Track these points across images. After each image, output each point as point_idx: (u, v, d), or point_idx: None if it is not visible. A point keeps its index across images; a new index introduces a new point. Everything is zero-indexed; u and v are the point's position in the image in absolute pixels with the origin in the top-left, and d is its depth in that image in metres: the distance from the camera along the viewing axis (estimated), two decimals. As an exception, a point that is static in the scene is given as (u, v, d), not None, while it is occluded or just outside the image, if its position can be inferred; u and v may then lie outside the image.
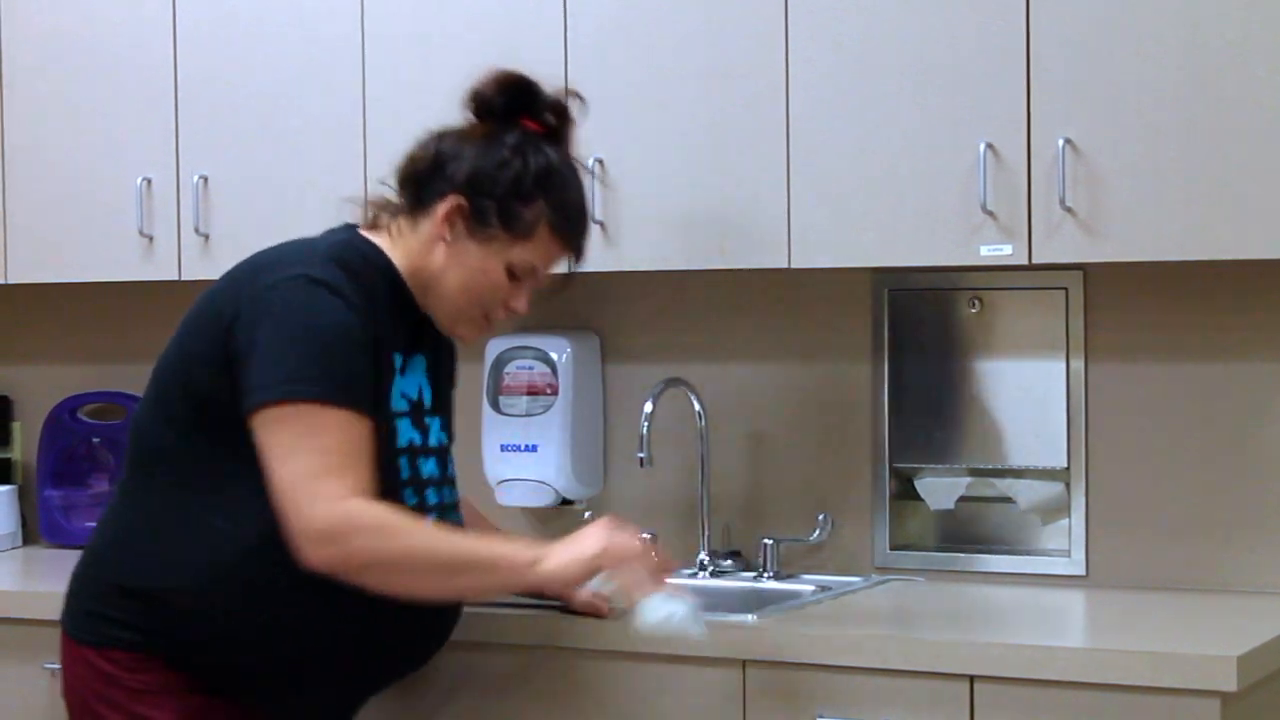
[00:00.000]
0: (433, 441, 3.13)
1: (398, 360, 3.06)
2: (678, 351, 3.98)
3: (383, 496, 2.93)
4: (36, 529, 4.50)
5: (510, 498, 3.99)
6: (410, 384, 3.10)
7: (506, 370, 4.00)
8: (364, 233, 3.10)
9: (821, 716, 3.13)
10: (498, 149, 3.06)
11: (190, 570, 2.95)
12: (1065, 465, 3.65)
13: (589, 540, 2.98)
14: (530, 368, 3.99)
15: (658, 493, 3.94)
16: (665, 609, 2.98)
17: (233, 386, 2.90)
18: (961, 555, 3.74)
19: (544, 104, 3.12)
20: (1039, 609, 3.53)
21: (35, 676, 3.71)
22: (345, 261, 3.00)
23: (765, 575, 3.79)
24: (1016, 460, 3.70)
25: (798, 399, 3.88)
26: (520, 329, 4.03)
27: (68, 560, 4.16)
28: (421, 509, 3.05)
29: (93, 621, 3.04)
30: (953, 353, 3.76)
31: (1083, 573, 3.64)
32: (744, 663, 3.20)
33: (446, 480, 3.15)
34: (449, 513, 3.14)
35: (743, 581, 3.80)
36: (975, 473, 3.74)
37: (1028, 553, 3.69)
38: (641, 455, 3.68)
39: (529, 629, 3.35)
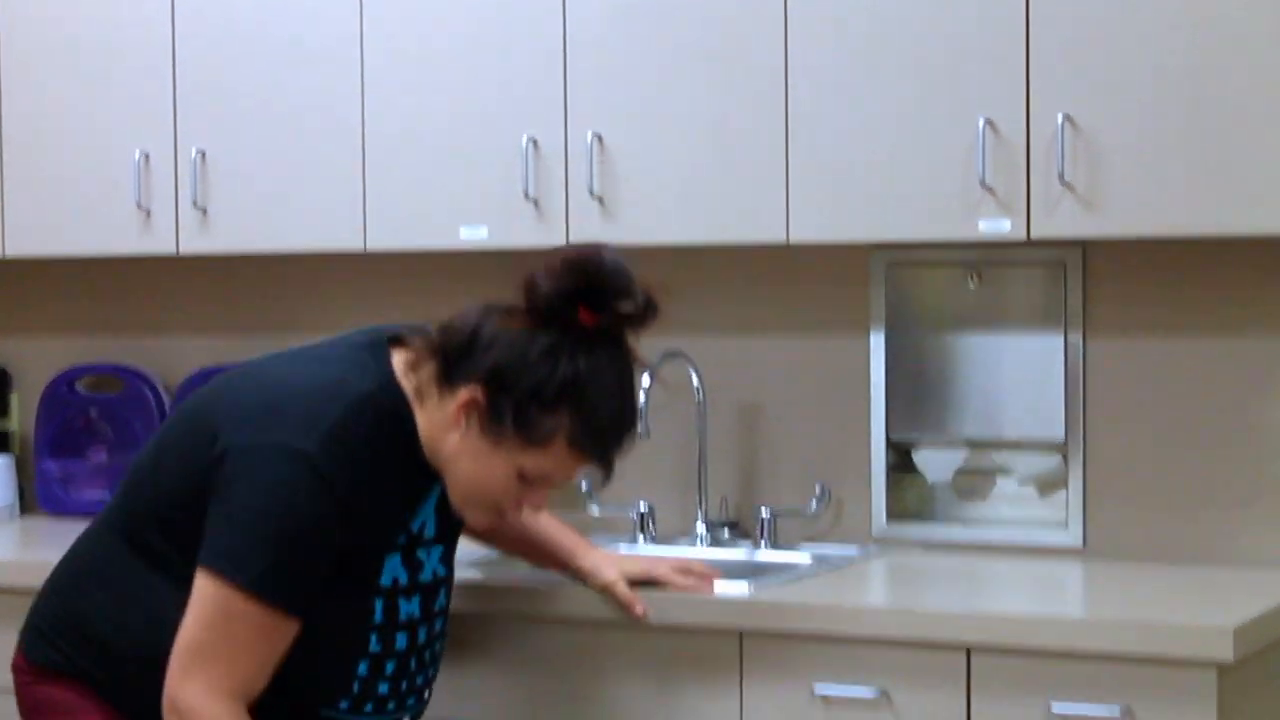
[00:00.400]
0: (425, 576, 3.04)
1: (405, 512, 2.99)
2: (676, 325, 3.84)
3: (351, 637, 2.94)
4: (34, 500, 4.50)
5: None
6: (417, 516, 3.02)
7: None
8: (400, 376, 2.91)
9: (819, 686, 3.14)
10: (529, 347, 2.85)
11: (135, 640, 2.93)
12: (1063, 439, 3.65)
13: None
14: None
15: (656, 465, 3.93)
16: None
17: (202, 513, 2.85)
18: (959, 527, 3.74)
19: (608, 293, 2.86)
20: (1036, 580, 3.53)
21: None
22: (356, 429, 2.85)
23: (762, 546, 3.80)
24: (1014, 433, 3.70)
25: (796, 372, 3.89)
26: (519, 302, 4.03)
27: (66, 530, 4.15)
28: (386, 654, 2.99)
29: (42, 645, 3.01)
30: (951, 327, 3.76)
31: (1080, 545, 3.64)
32: (741, 633, 3.20)
33: (427, 620, 3.05)
34: (416, 660, 3.05)
35: (740, 552, 3.79)
36: (973, 445, 3.74)
37: (1025, 525, 3.70)
38: (640, 428, 3.66)
39: (528, 600, 3.36)
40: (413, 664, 3.04)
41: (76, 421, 4.46)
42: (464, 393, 2.85)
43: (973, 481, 3.77)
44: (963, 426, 3.74)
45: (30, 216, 4.21)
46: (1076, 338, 3.63)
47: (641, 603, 3.22)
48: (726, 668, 3.21)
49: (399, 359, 2.92)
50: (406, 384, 2.90)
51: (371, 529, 2.92)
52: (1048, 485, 3.69)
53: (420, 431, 2.91)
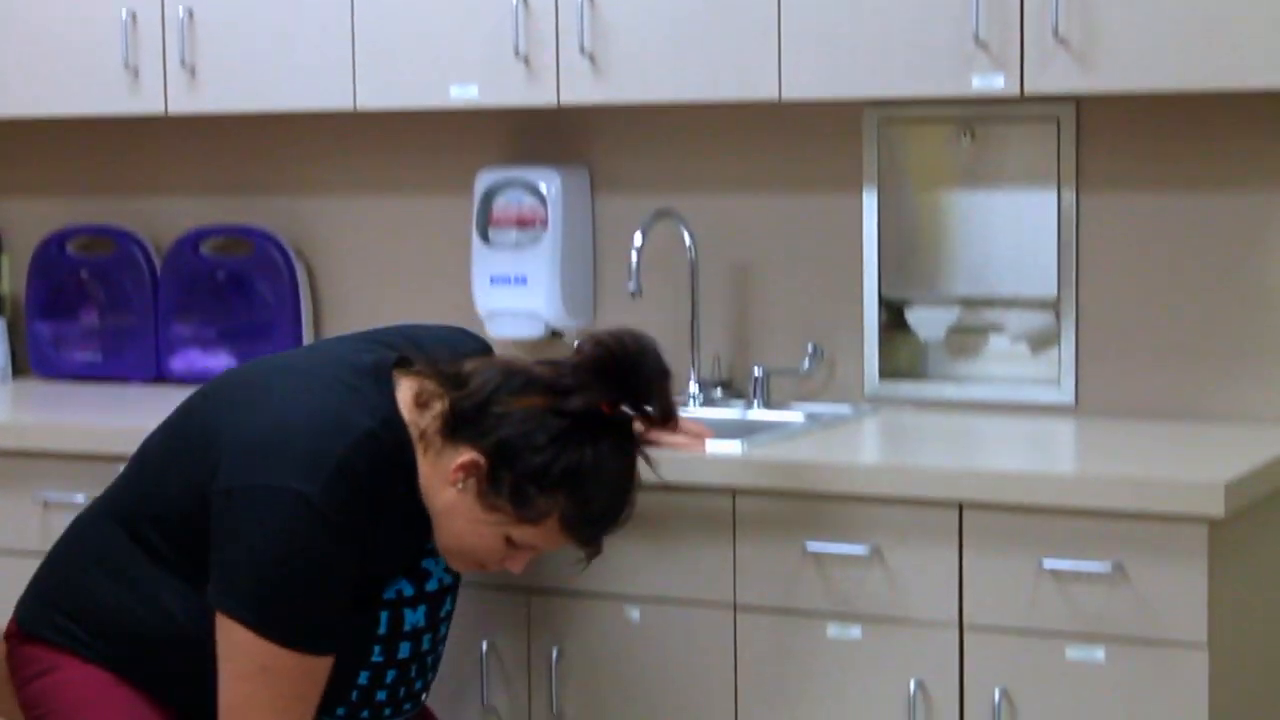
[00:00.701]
0: (431, 585, 3.03)
1: (412, 543, 2.97)
2: (668, 183, 3.95)
3: (353, 650, 2.94)
4: (26, 362, 4.50)
5: (500, 329, 3.97)
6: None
7: (496, 202, 3.97)
8: (405, 411, 2.86)
9: (811, 544, 3.15)
10: (539, 430, 2.82)
11: (136, 621, 2.93)
12: (1055, 296, 3.64)
13: None
14: (520, 200, 3.96)
15: (648, 324, 3.74)
16: None
17: (203, 529, 2.83)
18: (951, 385, 3.74)
19: (637, 398, 2.87)
20: (1028, 437, 3.54)
21: (29, 506, 3.73)
22: (359, 468, 2.81)
23: (755, 405, 3.80)
24: (1007, 291, 3.69)
25: (788, 230, 3.87)
26: (509, 161, 4.01)
27: (58, 392, 4.22)
28: (388, 664, 3.01)
29: (43, 615, 3.00)
30: (944, 184, 3.74)
31: (1072, 402, 3.64)
32: (734, 491, 3.21)
33: (432, 627, 3.07)
34: (417, 666, 3.06)
35: (733, 411, 3.80)
36: (965, 303, 3.73)
37: (1017, 382, 3.69)
38: (632, 286, 3.68)
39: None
40: (413, 670, 3.06)
41: (68, 283, 4.44)
42: (466, 455, 2.83)
43: (965, 339, 3.76)
44: (955, 284, 3.72)
45: (17, 77, 4.17)
46: (1070, 194, 3.61)
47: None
48: (720, 526, 3.22)
49: (404, 391, 2.88)
50: (410, 422, 2.87)
51: (379, 561, 2.91)
52: (1040, 342, 3.68)
53: (419, 475, 2.88)
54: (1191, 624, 2.94)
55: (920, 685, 3.10)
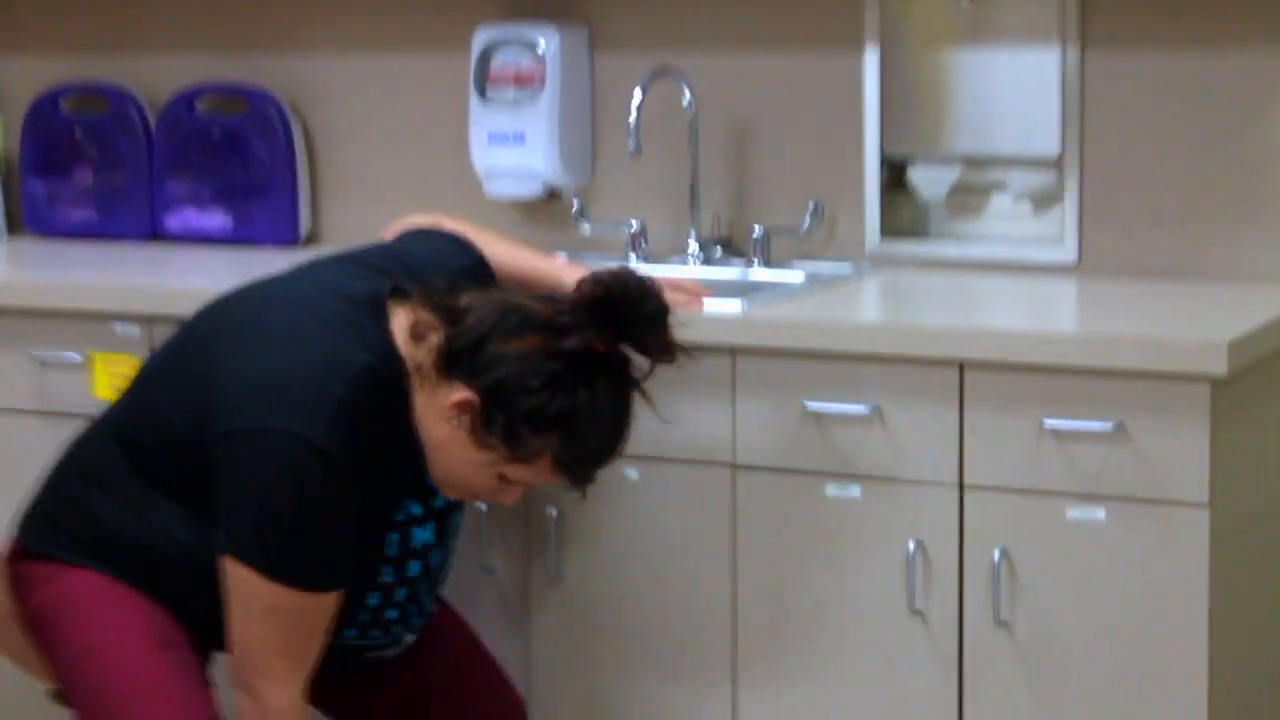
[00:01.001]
0: (438, 502, 3.05)
1: (417, 476, 2.96)
2: (667, 41, 3.90)
3: (363, 575, 2.95)
4: (20, 220, 4.47)
5: (498, 188, 3.95)
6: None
7: (493, 60, 3.93)
8: (400, 344, 2.85)
9: (810, 403, 3.15)
10: (533, 372, 2.81)
11: (134, 542, 2.94)
12: (1058, 153, 3.59)
13: None
14: (517, 58, 3.91)
15: (647, 182, 3.91)
16: None
17: (203, 463, 2.83)
18: (952, 244, 3.72)
19: (635, 336, 2.86)
20: (1030, 296, 3.52)
21: (25, 364, 3.73)
22: (360, 406, 2.81)
23: (755, 264, 3.77)
24: (1009, 149, 3.65)
25: (789, 88, 3.82)
26: (507, 18, 3.97)
27: (53, 250, 4.23)
28: (398, 583, 3.02)
29: (47, 533, 3.00)
30: (946, 41, 3.68)
31: (1074, 260, 3.61)
32: (733, 350, 3.20)
33: (441, 543, 3.08)
34: (426, 582, 3.08)
35: (733, 271, 3.78)
36: (967, 162, 3.69)
37: (1019, 242, 3.67)
38: (631, 144, 3.64)
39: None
40: (423, 586, 3.07)
41: (62, 141, 4.40)
42: (459, 394, 2.82)
43: (967, 198, 3.73)
44: (957, 143, 3.68)
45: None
46: (1074, 51, 3.56)
47: None
48: (719, 385, 3.22)
49: (400, 323, 2.86)
50: (406, 356, 2.85)
51: (384, 494, 2.92)
52: (1043, 201, 3.65)
53: (414, 408, 2.87)
54: (1193, 483, 2.94)
55: (919, 545, 3.10)
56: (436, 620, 3.19)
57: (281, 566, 2.80)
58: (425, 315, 2.86)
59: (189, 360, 2.94)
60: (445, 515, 3.07)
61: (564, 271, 3.24)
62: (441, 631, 3.22)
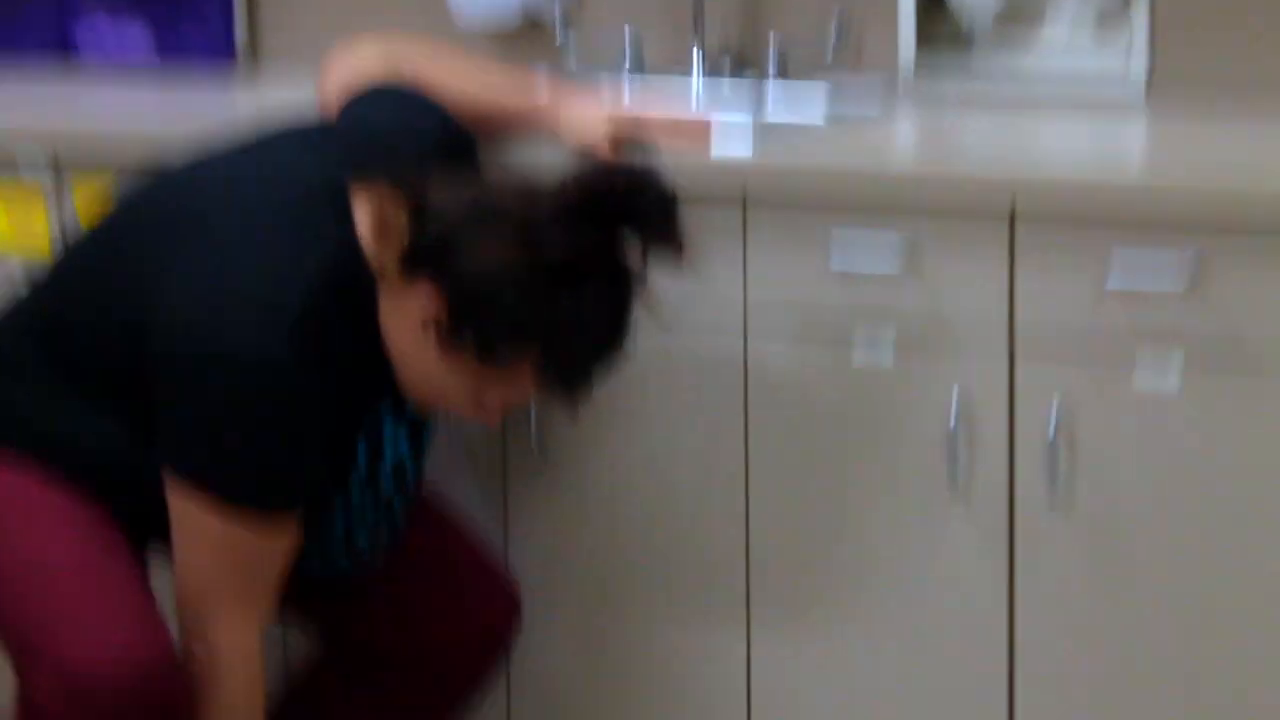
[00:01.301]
0: (412, 411, 2.98)
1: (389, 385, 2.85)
2: None
3: (336, 481, 2.89)
4: None
5: (471, 13, 3.76)
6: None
7: None
8: (363, 239, 2.72)
9: (834, 260, 2.97)
10: (507, 281, 2.67)
11: (53, 447, 2.84)
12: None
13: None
14: None
15: None
16: None
17: (140, 373, 2.73)
18: (997, 74, 3.55)
19: (635, 231, 2.71)
20: (1090, 136, 3.35)
21: None
22: (322, 312, 2.68)
23: (770, 79, 3.60)
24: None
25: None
26: None
27: None
28: (368, 503, 2.96)
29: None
30: None
31: (1142, 96, 3.45)
32: (744, 200, 3.03)
33: (416, 454, 3.00)
34: (402, 499, 3.01)
35: (743, 89, 3.62)
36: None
37: (1075, 74, 3.48)
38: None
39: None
40: (397, 504, 3.02)
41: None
42: (425, 299, 2.67)
43: (1016, 24, 3.53)
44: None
45: None
46: None
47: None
48: (728, 239, 3.05)
49: (362, 215, 2.73)
50: (370, 255, 2.73)
51: (354, 410, 2.84)
52: (1105, 25, 3.45)
53: (380, 313, 2.75)
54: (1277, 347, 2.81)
55: (963, 415, 2.95)
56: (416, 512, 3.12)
57: (236, 491, 2.72)
58: (390, 207, 2.72)
59: (122, 255, 2.81)
60: (420, 426, 3.00)
61: (554, 106, 3.10)
62: (424, 524, 3.15)
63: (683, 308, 3.08)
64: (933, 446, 2.98)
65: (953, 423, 2.94)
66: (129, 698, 2.68)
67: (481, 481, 3.33)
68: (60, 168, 3.43)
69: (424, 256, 2.68)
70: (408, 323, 2.72)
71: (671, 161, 2.98)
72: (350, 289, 2.72)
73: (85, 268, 2.87)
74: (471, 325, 2.69)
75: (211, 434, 2.69)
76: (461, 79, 3.08)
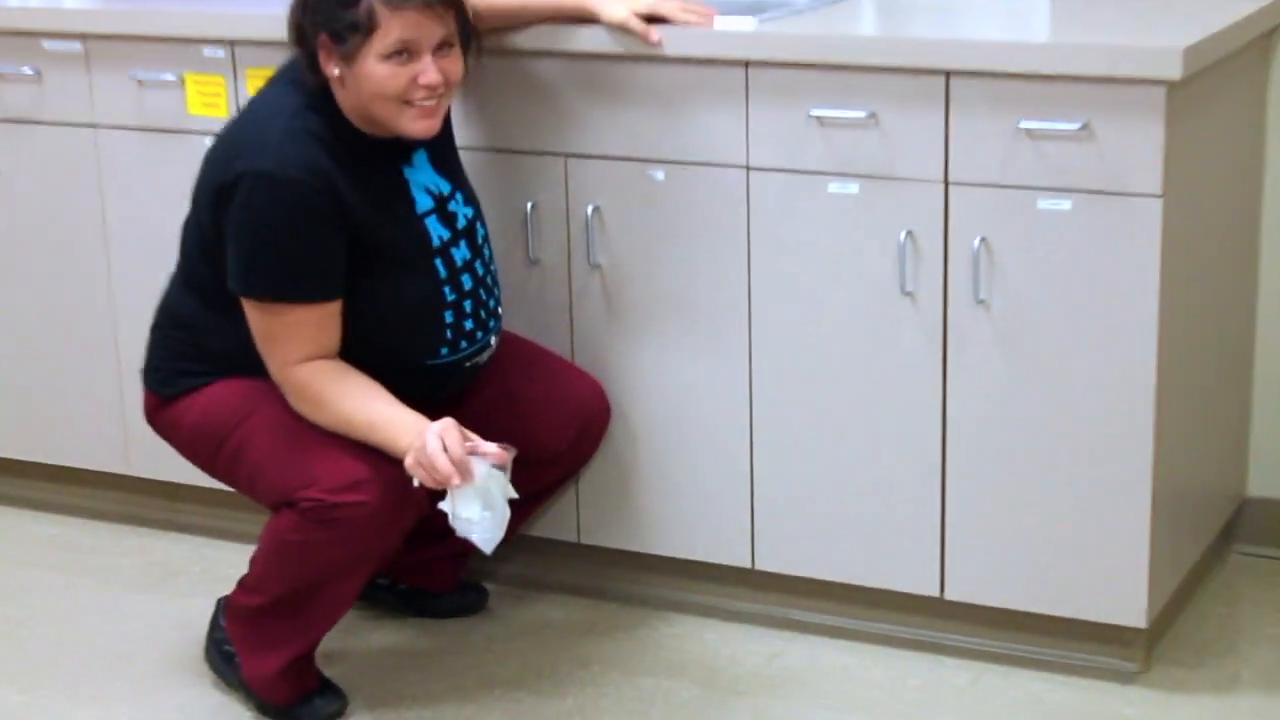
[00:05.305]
0: (460, 223, 3.10)
1: (404, 171, 3.03)
2: None
3: (431, 297, 3.04)
4: None
5: None
6: (425, 180, 3.06)
7: None
8: (328, 70, 2.96)
9: (814, 109, 3.12)
10: None
11: (216, 354, 3.10)
12: (1037, -117, 3.41)
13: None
14: None
15: None
16: (470, 514, 2.88)
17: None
18: None
19: None
20: (1008, 11, 3.40)
21: (126, 85, 3.69)
22: (301, 131, 2.93)
23: None
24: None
25: None
26: None
27: None
28: (461, 297, 3.09)
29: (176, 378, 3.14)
30: None
31: None
32: (747, 63, 3.16)
33: (477, 254, 3.13)
34: (483, 288, 3.14)
35: None
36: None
37: None
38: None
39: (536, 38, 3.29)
40: (482, 293, 3.13)
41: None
42: (319, 52, 2.93)
43: None
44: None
45: None
46: None
47: (655, 32, 3.16)
48: (733, 95, 3.18)
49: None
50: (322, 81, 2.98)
51: (374, 208, 2.98)
52: None
53: (343, 108, 2.96)
54: (1149, 177, 2.92)
55: (910, 234, 3.10)
56: (506, 344, 3.25)
57: (254, 282, 2.95)
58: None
59: (198, 189, 3.08)
60: (469, 231, 3.13)
61: (586, 3, 3.21)
62: (514, 345, 3.30)
63: (700, 148, 3.21)
64: (888, 257, 3.12)
65: (902, 238, 3.09)
66: (366, 510, 2.92)
67: (548, 286, 3.40)
68: (233, 45, 3.55)
69: (298, 41, 2.98)
70: (336, 82, 2.96)
71: (691, 34, 3.14)
72: (317, 108, 2.97)
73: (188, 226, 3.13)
74: (319, 21, 2.93)
75: (235, 244, 2.95)
76: None
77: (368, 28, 2.88)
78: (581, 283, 3.40)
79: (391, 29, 2.89)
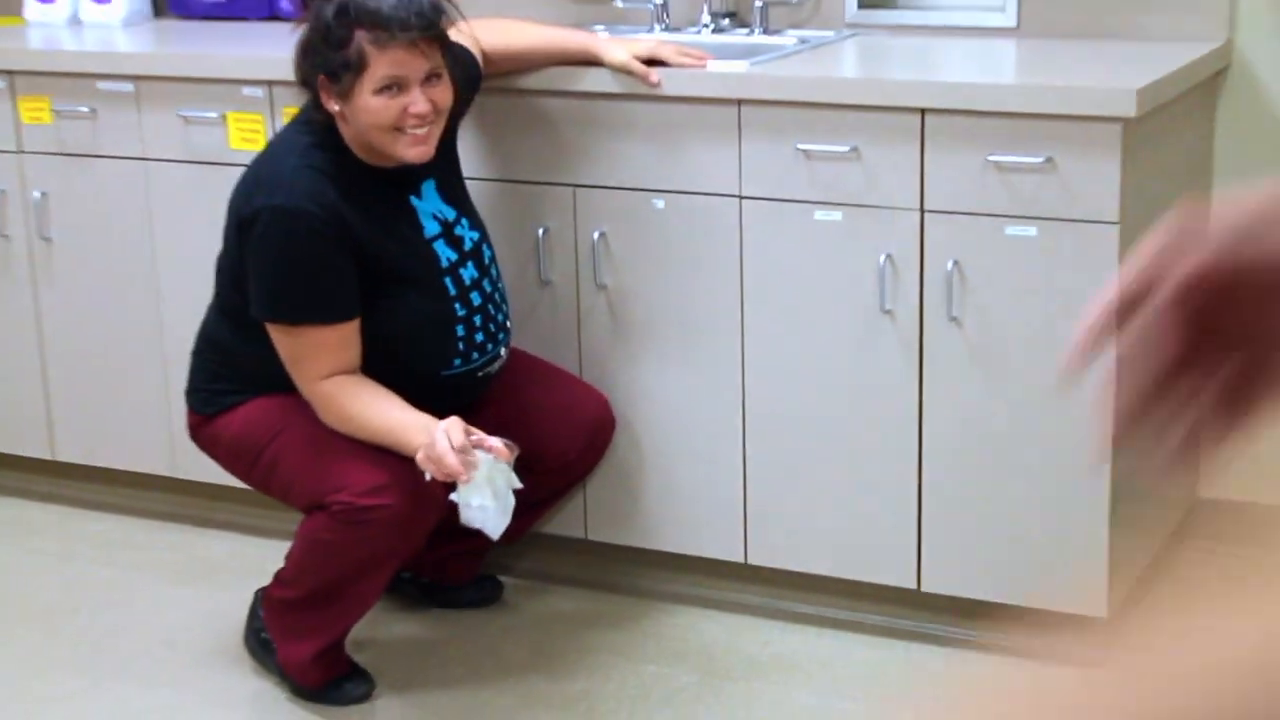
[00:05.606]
0: (467, 245, 3.14)
1: (412, 200, 3.08)
2: None
3: (442, 314, 3.08)
4: (165, 3, 4.39)
5: None
6: (432, 208, 3.11)
7: None
8: (329, 107, 3.00)
9: (801, 144, 3.17)
10: (308, 27, 3.00)
11: (248, 375, 3.17)
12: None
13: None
14: None
15: None
16: (478, 502, 2.94)
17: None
18: (916, 13, 3.65)
19: None
20: (978, 55, 3.48)
21: (173, 122, 3.75)
22: (311, 166, 2.97)
23: (756, 31, 3.73)
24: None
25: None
26: None
27: (191, 28, 4.17)
28: (471, 312, 3.13)
29: (208, 396, 3.22)
30: None
31: (1014, 25, 3.57)
32: (739, 102, 3.22)
33: (484, 273, 3.16)
34: (491, 303, 3.17)
35: (737, 37, 3.73)
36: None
37: (969, 9, 3.60)
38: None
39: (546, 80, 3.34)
40: (491, 308, 3.18)
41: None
42: (325, 98, 2.99)
43: None
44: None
45: None
46: None
47: (655, 74, 3.24)
48: (727, 131, 3.24)
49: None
50: (328, 118, 3.03)
51: (381, 234, 3.03)
52: None
53: (347, 141, 3.03)
54: (1107, 205, 2.98)
55: (889, 258, 3.14)
56: (514, 359, 3.29)
57: (281, 309, 3.02)
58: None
59: (228, 223, 3.15)
60: (476, 252, 3.19)
61: (596, 42, 3.27)
62: (526, 362, 3.36)
63: (697, 179, 3.24)
64: (869, 278, 3.16)
65: (882, 261, 3.13)
66: (391, 512, 2.98)
67: (558, 306, 3.40)
68: (271, 85, 3.58)
69: (302, 84, 3.04)
70: (339, 118, 3.00)
71: (689, 75, 3.17)
72: (325, 145, 3.03)
73: (220, 261, 3.20)
74: (320, 60, 2.97)
75: (257, 274, 3.00)
76: (521, 33, 3.34)
77: (359, 66, 2.94)
78: (589, 302, 3.44)
79: (380, 66, 2.95)
